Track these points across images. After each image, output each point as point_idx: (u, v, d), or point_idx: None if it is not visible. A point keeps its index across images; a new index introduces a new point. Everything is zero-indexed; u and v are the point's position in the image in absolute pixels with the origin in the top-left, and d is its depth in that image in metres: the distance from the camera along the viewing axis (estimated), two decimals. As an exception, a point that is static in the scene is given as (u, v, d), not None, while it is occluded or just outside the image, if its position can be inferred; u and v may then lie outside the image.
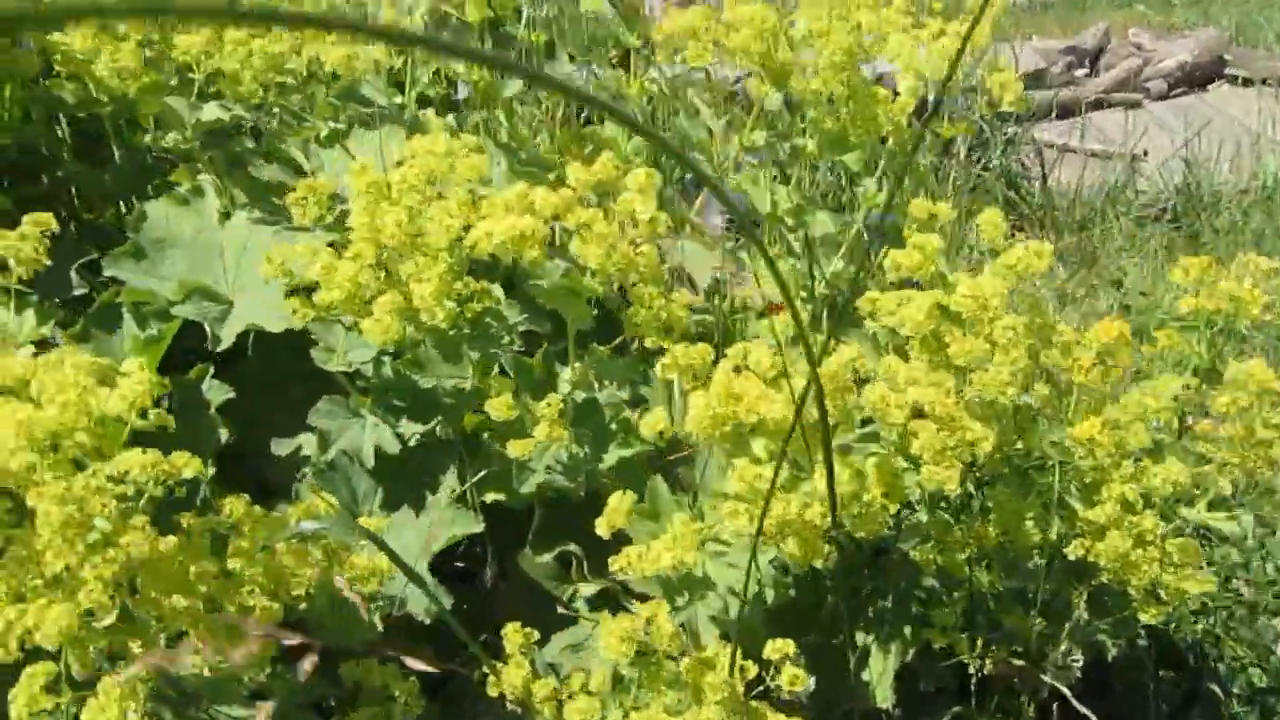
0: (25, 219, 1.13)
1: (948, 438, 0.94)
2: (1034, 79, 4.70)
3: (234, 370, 1.38)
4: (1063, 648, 1.11)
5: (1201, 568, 1.04)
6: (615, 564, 0.89)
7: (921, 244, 0.96)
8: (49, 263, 1.12)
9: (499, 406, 1.00)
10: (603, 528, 0.90)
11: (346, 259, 0.95)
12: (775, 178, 1.49)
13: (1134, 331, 3.32)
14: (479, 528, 1.19)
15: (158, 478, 0.77)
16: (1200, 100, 4.95)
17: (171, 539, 0.77)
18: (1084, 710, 1.18)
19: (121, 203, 1.74)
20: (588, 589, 1.24)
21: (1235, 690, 1.31)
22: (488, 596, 1.29)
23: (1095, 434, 0.90)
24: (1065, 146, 4.28)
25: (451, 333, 1.04)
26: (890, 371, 0.99)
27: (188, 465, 0.80)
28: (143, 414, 0.83)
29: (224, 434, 1.31)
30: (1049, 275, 3.88)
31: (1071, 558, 1.06)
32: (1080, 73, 5.12)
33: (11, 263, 1.09)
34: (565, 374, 1.05)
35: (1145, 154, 4.30)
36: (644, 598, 1.20)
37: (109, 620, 0.80)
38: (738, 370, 0.84)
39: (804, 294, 1.61)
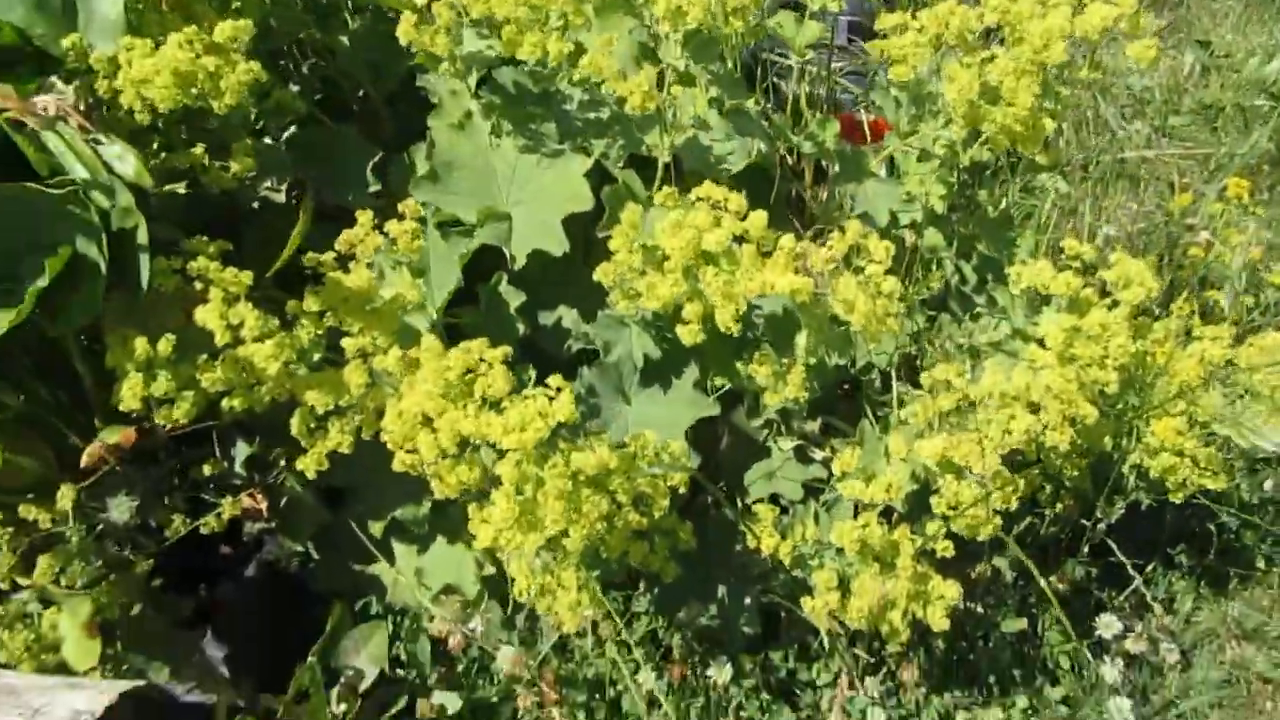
0: (390, 226, 1.53)
1: (1065, 409, 1.42)
2: None
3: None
4: (1116, 505, 1.67)
5: (1220, 471, 1.56)
6: (845, 490, 1.42)
7: (1068, 282, 1.39)
8: (422, 242, 1.55)
9: (762, 373, 1.48)
10: (836, 468, 1.43)
11: (665, 283, 1.39)
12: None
13: (1208, 105, 3.48)
14: (716, 410, 1.72)
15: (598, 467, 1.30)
16: None
17: (603, 503, 1.31)
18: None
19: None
20: (786, 443, 1.80)
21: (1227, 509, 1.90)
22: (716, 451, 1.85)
23: (1173, 435, 1.39)
24: None
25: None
26: (1032, 356, 1.46)
27: (611, 458, 1.31)
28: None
29: (520, 328, 1.80)
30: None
31: (1129, 464, 1.59)
32: None
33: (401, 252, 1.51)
34: (801, 340, 1.51)
35: None
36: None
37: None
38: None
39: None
